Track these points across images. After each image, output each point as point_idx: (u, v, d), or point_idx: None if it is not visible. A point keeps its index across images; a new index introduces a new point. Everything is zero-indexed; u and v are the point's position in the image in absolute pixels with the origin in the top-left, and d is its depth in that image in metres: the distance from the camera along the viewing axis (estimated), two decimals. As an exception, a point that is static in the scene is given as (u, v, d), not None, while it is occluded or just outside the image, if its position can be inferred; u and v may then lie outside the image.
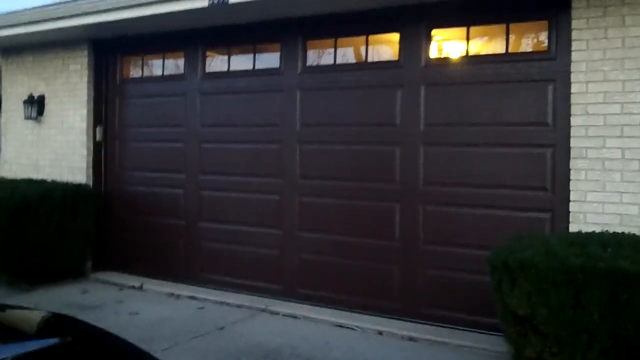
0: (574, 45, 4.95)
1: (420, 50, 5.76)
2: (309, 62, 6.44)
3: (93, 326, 2.81)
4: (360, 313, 5.87)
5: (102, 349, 2.55)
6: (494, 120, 5.40)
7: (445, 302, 5.55)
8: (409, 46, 5.83)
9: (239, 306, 6.22)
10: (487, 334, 5.12)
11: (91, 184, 7.66)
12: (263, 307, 6.14)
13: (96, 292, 6.84)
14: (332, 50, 6.30)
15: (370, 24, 6.01)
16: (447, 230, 5.60)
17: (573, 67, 4.95)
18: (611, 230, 4.49)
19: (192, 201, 7.13)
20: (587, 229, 4.64)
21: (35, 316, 2.95)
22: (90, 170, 7.71)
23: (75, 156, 7.75)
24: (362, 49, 6.18)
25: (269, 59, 6.74)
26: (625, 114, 4.74)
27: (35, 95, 8.06)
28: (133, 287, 7.02)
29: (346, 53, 6.40)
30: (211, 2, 5.98)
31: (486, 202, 5.41)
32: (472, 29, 5.62)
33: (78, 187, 7.33)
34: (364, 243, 6.00)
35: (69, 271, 7.30)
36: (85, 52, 7.71)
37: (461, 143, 5.55)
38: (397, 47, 5.92)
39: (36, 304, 5.42)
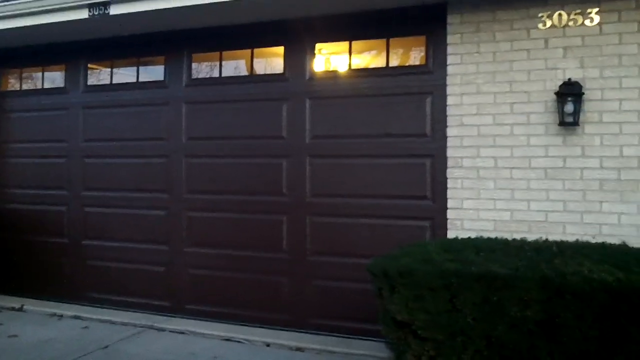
0: (450, 60, 5.18)
1: (304, 63, 5.84)
2: (195, 75, 6.38)
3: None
4: (250, 326, 5.84)
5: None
6: (376, 132, 5.53)
7: (333, 312, 5.62)
8: (293, 60, 5.89)
9: (124, 324, 6.03)
10: (374, 341, 5.19)
11: (-35, 202, 7.23)
12: (150, 324, 5.97)
13: (-29, 317, 6.44)
14: (218, 63, 6.27)
15: (255, 37, 6.02)
16: (333, 241, 5.68)
17: (449, 81, 5.17)
18: (486, 236, 4.70)
19: (76, 218, 6.87)
20: (464, 235, 4.83)
21: None
22: (-35, 189, 7.29)
23: (-52, 173, 7.30)
24: (249, 62, 6.19)
25: (154, 72, 6.62)
26: (497, 124, 4.99)
27: None
28: (13, 309, 6.65)
29: (234, 66, 6.38)
30: (91, 13, 5.83)
31: (370, 212, 5.52)
32: (355, 44, 5.75)
33: (-50, 206, 6.90)
34: (253, 256, 5.98)
35: (-60, 296, 6.83)
36: (-41, 64, 7.31)
37: (346, 155, 5.65)
38: (283, 60, 5.97)
39: None
